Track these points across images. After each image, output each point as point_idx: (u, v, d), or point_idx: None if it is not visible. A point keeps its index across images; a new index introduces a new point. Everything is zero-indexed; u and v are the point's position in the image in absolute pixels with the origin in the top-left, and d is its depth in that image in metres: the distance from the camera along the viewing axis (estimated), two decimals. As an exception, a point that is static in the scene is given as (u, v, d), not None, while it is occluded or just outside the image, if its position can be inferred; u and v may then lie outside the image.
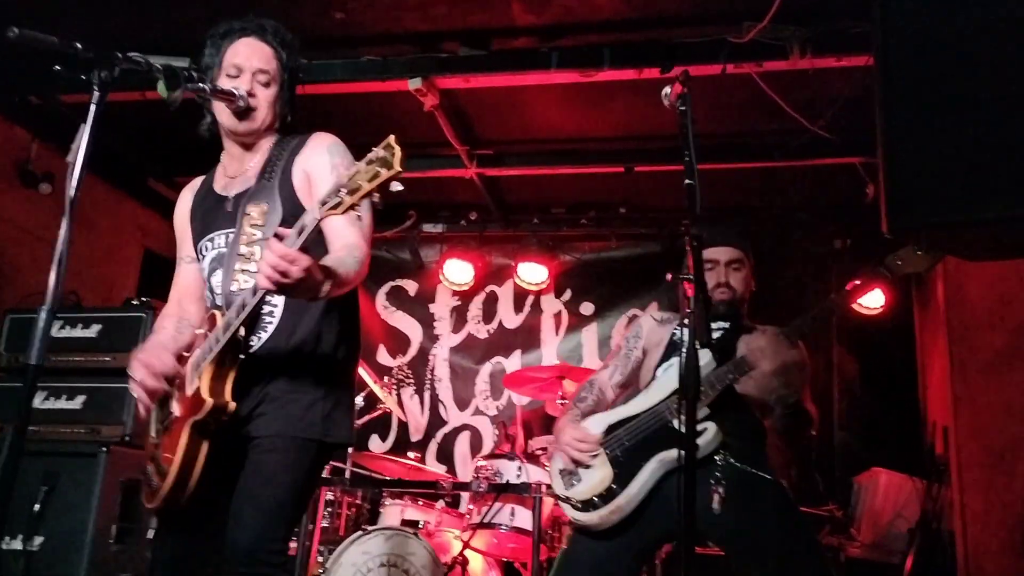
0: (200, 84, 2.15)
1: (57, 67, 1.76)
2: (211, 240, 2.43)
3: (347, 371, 2.47)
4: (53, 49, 1.75)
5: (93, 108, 1.77)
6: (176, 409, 2.30)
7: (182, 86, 2.03)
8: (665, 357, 2.85)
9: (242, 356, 2.24)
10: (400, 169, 1.78)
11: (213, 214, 2.44)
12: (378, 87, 4.47)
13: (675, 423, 2.62)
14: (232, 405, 2.20)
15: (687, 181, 1.98)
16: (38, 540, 3.73)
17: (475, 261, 6.35)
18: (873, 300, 5.61)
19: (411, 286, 6.68)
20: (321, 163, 2.35)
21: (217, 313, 2.27)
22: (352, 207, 1.85)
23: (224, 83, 2.34)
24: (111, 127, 5.53)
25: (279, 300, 2.29)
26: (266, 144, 2.48)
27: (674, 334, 2.85)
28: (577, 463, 2.72)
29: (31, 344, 1.64)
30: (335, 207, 1.87)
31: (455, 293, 6.57)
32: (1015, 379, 3.42)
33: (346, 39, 4.35)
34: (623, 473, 2.65)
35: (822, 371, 5.65)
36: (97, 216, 5.48)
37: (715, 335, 2.75)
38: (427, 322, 6.61)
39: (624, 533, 2.63)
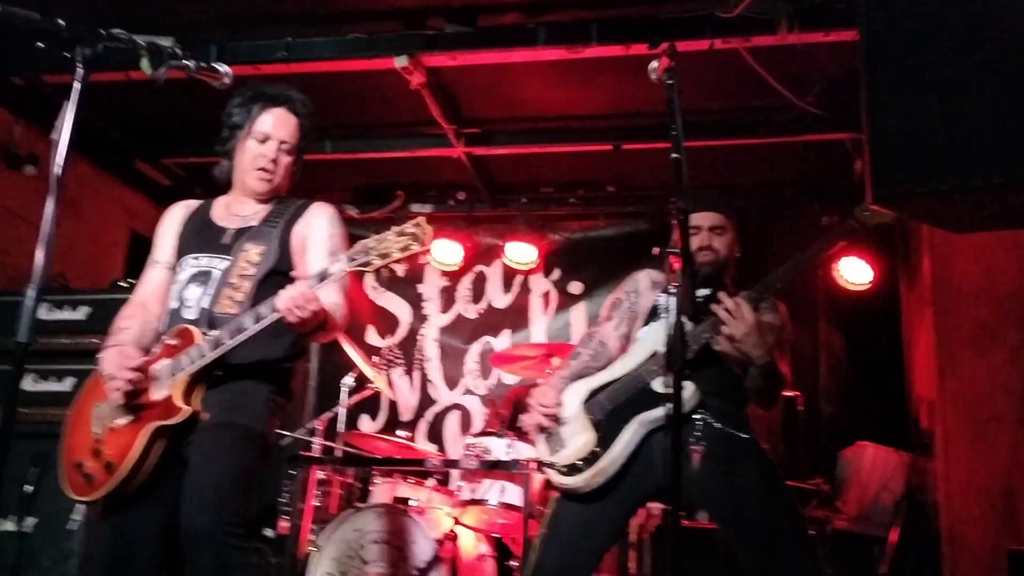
0: (184, 61, 2.15)
1: (40, 44, 1.75)
2: (196, 258, 2.58)
3: (288, 380, 2.64)
4: (35, 26, 1.74)
5: (77, 86, 1.77)
6: (132, 411, 2.39)
7: (166, 63, 2.03)
8: (645, 323, 2.89)
9: (219, 372, 2.40)
10: (430, 247, 2.15)
11: (207, 238, 2.62)
12: (364, 65, 4.45)
13: (654, 384, 2.67)
14: (206, 415, 2.36)
15: (673, 155, 1.99)
16: (31, 521, 3.74)
17: (463, 241, 6.34)
18: (859, 275, 5.65)
19: (400, 267, 6.68)
20: (320, 231, 2.61)
21: (193, 330, 2.41)
22: (378, 270, 2.21)
23: (252, 147, 2.61)
24: (96, 108, 5.52)
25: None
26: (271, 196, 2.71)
27: (657, 300, 2.88)
28: (540, 428, 2.77)
29: (19, 323, 1.63)
30: (364, 265, 2.18)
31: (444, 273, 6.57)
32: (999, 351, 3.46)
33: (331, 16, 4.34)
34: (605, 436, 2.68)
35: (808, 346, 5.69)
36: (83, 198, 5.45)
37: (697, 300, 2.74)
38: (416, 302, 6.61)
39: (608, 495, 2.66)
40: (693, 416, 2.63)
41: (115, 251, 5.86)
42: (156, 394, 2.38)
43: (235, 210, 2.68)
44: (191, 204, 2.79)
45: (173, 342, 2.43)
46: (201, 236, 2.63)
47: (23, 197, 4.95)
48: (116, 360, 2.40)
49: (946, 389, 3.98)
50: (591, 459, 2.66)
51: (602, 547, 2.76)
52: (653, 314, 2.87)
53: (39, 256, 1.66)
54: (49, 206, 1.68)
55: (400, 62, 4.31)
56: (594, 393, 2.79)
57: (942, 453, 4.00)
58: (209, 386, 2.40)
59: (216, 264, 2.55)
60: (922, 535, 4.31)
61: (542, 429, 2.77)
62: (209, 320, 2.44)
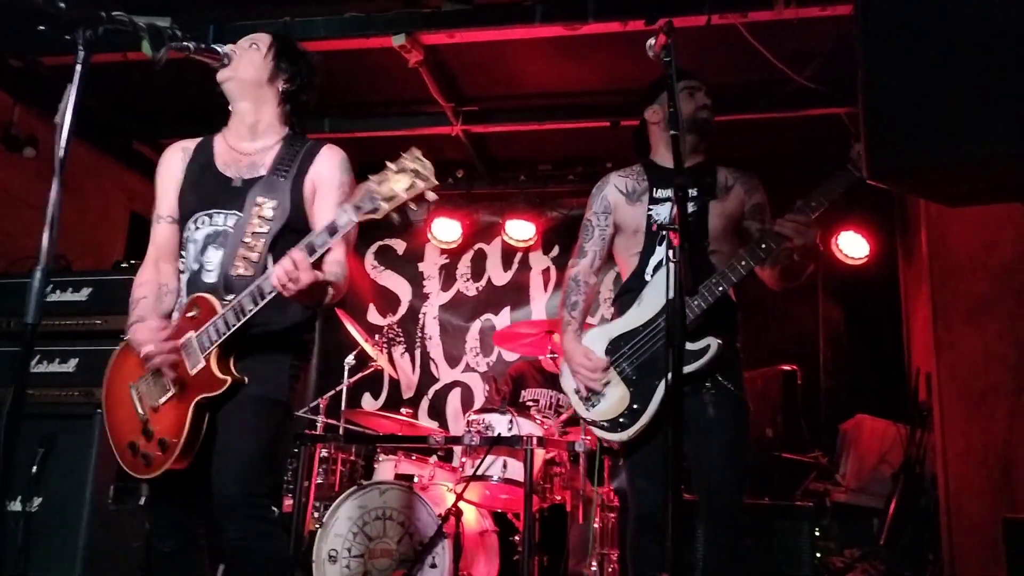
0: (184, 43, 2.16)
1: (41, 27, 1.76)
2: (209, 216, 2.51)
3: (309, 345, 2.61)
4: (36, 9, 1.74)
5: (79, 68, 1.77)
6: (173, 387, 2.38)
7: (166, 45, 2.03)
8: (648, 247, 2.89)
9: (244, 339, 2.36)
10: (437, 182, 1.96)
11: (215, 190, 2.53)
12: (361, 44, 4.43)
13: None
14: (245, 380, 2.34)
15: (672, 132, 2.00)
16: (37, 501, 3.77)
17: (463, 219, 6.36)
18: (857, 250, 5.67)
19: (399, 245, 6.70)
20: (331, 179, 2.52)
21: (211, 299, 2.38)
22: (388, 214, 2.05)
23: None
24: (94, 90, 5.48)
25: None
26: (274, 134, 2.61)
27: (650, 215, 2.89)
28: (590, 390, 2.82)
29: (27, 304, 1.65)
30: (372, 212, 2.05)
31: (443, 251, 6.60)
32: (996, 324, 3.48)
33: (328, -5, 4.32)
34: (639, 392, 2.75)
35: (808, 320, 5.73)
36: (83, 180, 5.45)
37: (689, 207, 2.80)
38: (416, 281, 6.64)
39: (653, 437, 2.76)
40: (716, 373, 2.73)
41: (116, 232, 5.87)
42: (192, 368, 2.36)
43: (240, 149, 2.59)
44: (188, 147, 2.66)
45: (192, 313, 2.41)
46: (208, 188, 2.54)
47: (23, 179, 4.96)
48: (150, 336, 2.37)
49: (944, 361, 4.01)
50: (633, 416, 2.74)
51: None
52: (652, 237, 2.88)
53: (45, 238, 1.67)
54: (54, 188, 1.69)
55: (398, 40, 4.30)
56: (615, 343, 2.84)
57: (940, 425, 4.03)
58: (239, 352, 2.38)
59: (230, 223, 2.48)
60: (920, 506, 4.36)
61: (591, 391, 2.82)
62: (226, 283, 2.40)
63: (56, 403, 3.99)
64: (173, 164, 2.64)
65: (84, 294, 4.20)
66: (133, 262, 4.33)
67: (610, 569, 4.07)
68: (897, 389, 5.26)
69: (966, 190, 1.76)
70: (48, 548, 3.65)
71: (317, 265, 2.25)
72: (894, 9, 1.58)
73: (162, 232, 2.61)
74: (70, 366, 4.09)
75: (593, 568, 4.12)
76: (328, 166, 2.54)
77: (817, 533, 4.04)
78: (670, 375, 1.91)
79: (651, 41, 2.22)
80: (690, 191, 2.82)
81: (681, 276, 1.87)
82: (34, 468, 3.80)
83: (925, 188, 1.84)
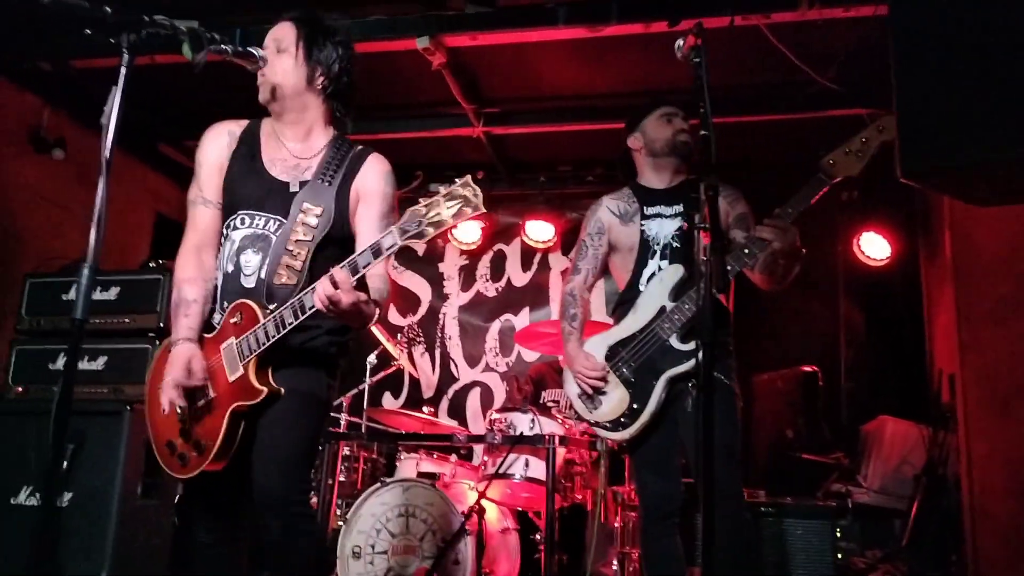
0: (223, 46, 2.19)
1: (87, 31, 1.80)
2: (251, 216, 2.47)
3: (348, 344, 2.63)
4: (82, 13, 1.79)
5: (123, 71, 1.82)
6: (212, 391, 2.40)
7: (206, 48, 2.07)
8: (641, 260, 3.11)
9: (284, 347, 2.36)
10: (485, 210, 1.98)
11: (261, 191, 2.48)
12: (386, 46, 4.46)
13: (671, 340, 2.96)
14: (282, 391, 2.34)
15: (702, 132, 2.03)
16: (67, 496, 3.82)
17: (482, 220, 6.39)
18: (879, 251, 5.66)
19: (419, 246, 6.70)
20: (376, 190, 2.50)
21: (254, 307, 2.34)
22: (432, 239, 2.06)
23: None
24: (121, 93, 5.54)
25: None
26: (321, 136, 2.57)
27: (644, 231, 3.12)
28: (594, 389, 3.04)
29: (75, 301, 1.70)
30: (417, 236, 2.04)
31: (463, 252, 6.63)
32: (1021, 325, 3.48)
33: (353, -2, 4.36)
34: (638, 392, 2.97)
35: (828, 322, 5.72)
36: (109, 181, 5.51)
37: (673, 224, 3.09)
38: (436, 281, 6.68)
39: (653, 434, 2.98)
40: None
41: (141, 233, 5.94)
42: (231, 375, 2.36)
43: (287, 149, 2.53)
44: (234, 131, 2.58)
45: (235, 320, 2.39)
46: (254, 187, 2.48)
47: (52, 181, 5.03)
48: (194, 369, 2.37)
49: (968, 363, 4.01)
50: (633, 415, 2.96)
51: (676, 460, 3.05)
52: (646, 249, 3.10)
53: (92, 236, 1.72)
54: (100, 187, 1.74)
55: (422, 43, 4.33)
56: (614, 349, 3.07)
57: (964, 426, 4.03)
58: (277, 361, 2.37)
59: (272, 228, 2.44)
60: (942, 507, 4.35)
61: (595, 391, 3.04)
62: (267, 291, 2.38)
63: (85, 400, 4.05)
64: (219, 146, 2.56)
65: (113, 293, 4.26)
66: (161, 262, 4.39)
67: (631, 568, 4.09)
68: (918, 390, 5.24)
69: (996, 190, 1.77)
70: (77, 543, 3.70)
71: (361, 283, 2.23)
72: (926, 14, 1.60)
73: (204, 217, 2.53)
74: (99, 364, 4.16)
75: (614, 567, 4.14)
76: (374, 177, 2.51)
77: (838, 534, 4.04)
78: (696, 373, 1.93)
79: (679, 42, 2.24)
80: (676, 207, 3.11)
81: (712, 274, 1.89)
82: (64, 464, 3.86)
83: (956, 188, 1.86)
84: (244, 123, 2.60)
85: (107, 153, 1.77)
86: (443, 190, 2.01)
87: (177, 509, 3.99)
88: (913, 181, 1.55)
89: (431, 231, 2.03)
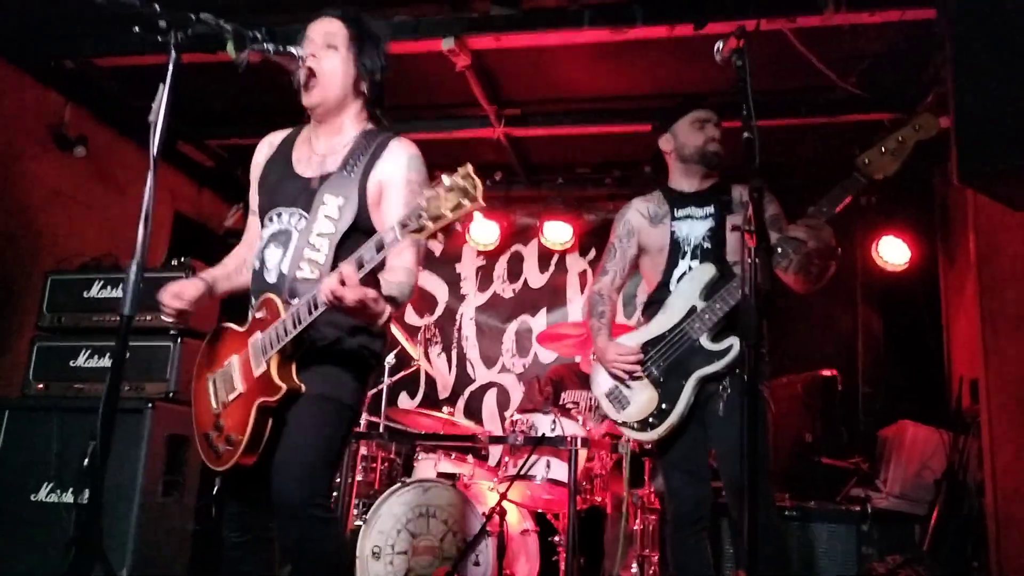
0: (265, 45, 2.20)
1: (136, 28, 1.81)
2: (279, 214, 2.49)
3: (380, 347, 2.56)
4: (132, 11, 1.79)
5: (171, 68, 1.83)
6: (240, 385, 2.41)
7: (248, 46, 2.08)
8: (672, 261, 3.12)
9: (308, 344, 2.36)
10: (483, 203, 1.93)
11: (287, 189, 2.49)
12: (411, 48, 4.45)
13: (702, 340, 2.96)
14: (303, 388, 2.32)
15: (745, 135, 2.04)
16: (87, 494, 3.83)
17: (500, 221, 6.39)
18: (898, 256, 5.65)
19: (437, 246, 6.75)
20: (397, 176, 2.43)
21: (277, 301, 2.34)
22: (433, 234, 1.99)
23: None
24: (140, 91, 5.55)
25: None
26: (351, 129, 2.54)
27: (674, 232, 3.14)
28: (629, 374, 3.04)
29: (123, 297, 1.71)
30: (417, 230, 1.98)
31: (480, 253, 6.64)
32: (1046, 331, 3.47)
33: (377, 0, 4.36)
34: (667, 392, 2.97)
35: (847, 326, 5.72)
36: (129, 180, 5.52)
37: (704, 225, 3.09)
38: (453, 282, 6.69)
39: (682, 435, 2.98)
40: (736, 369, 2.88)
41: (160, 231, 5.93)
42: (256, 370, 2.36)
43: (316, 148, 2.54)
44: (274, 140, 2.65)
45: (260, 315, 2.40)
46: (282, 187, 2.51)
47: (73, 178, 5.04)
48: (180, 286, 2.49)
49: (992, 368, 4.00)
50: (661, 416, 2.96)
51: (706, 464, 3.05)
52: (676, 250, 3.11)
53: (140, 232, 1.73)
54: (149, 183, 1.75)
55: (447, 44, 4.33)
56: (644, 348, 3.07)
57: (988, 432, 4.02)
58: (302, 357, 2.35)
59: (294, 222, 2.44)
60: (963, 513, 4.33)
61: (631, 376, 3.03)
62: (289, 286, 2.37)
63: (108, 397, 4.07)
64: (258, 158, 2.66)
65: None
66: (182, 259, 4.39)
67: (651, 571, 4.08)
68: (937, 395, 5.23)
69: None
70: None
71: (372, 278, 2.19)
72: (984, 18, 1.60)
73: (250, 226, 2.68)
74: (121, 361, 4.17)
75: (633, 570, 4.14)
76: (395, 163, 2.43)
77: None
78: (743, 375, 1.92)
79: (719, 44, 2.25)
80: (707, 208, 3.12)
81: (756, 276, 1.89)
82: (85, 461, 3.86)
83: (1008, 192, 1.85)
84: (287, 132, 2.65)
85: (155, 151, 1.77)
86: (446, 181, 1.97)
87: (214, 499, 3.99)
88: (968, 184, 1.55)
89: (431, 226, 1.97)
